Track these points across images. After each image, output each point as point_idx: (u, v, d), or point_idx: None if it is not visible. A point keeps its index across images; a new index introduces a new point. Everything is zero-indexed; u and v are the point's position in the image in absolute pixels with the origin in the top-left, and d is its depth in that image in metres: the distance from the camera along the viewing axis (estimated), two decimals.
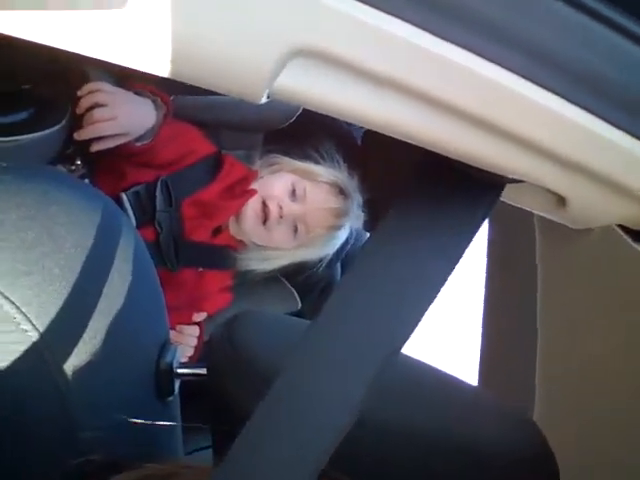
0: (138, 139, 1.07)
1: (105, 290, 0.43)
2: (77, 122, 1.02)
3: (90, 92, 1.02)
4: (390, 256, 0.33)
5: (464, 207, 0.34)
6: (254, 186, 1.16)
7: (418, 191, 0.35)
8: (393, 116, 0.30)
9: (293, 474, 0.30)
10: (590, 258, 0.42)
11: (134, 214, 1.08)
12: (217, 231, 1.17)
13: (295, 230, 1.16)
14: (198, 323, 1.13)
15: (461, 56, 0.28)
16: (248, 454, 0.30)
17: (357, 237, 1.25)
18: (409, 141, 0.32)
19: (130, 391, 0.46)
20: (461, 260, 0.33)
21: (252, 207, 1.15)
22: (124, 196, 1.07)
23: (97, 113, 1.01)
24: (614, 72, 0.30)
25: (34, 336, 0.40)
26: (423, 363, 0.46)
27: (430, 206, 0.34)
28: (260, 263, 1.18)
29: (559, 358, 0.48)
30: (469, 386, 0.49)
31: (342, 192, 1.20)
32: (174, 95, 1.15)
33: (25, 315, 0.39)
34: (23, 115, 0.94)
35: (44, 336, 0.40)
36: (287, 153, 1.21)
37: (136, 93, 1.08)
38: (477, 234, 0.35)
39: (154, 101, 1.08)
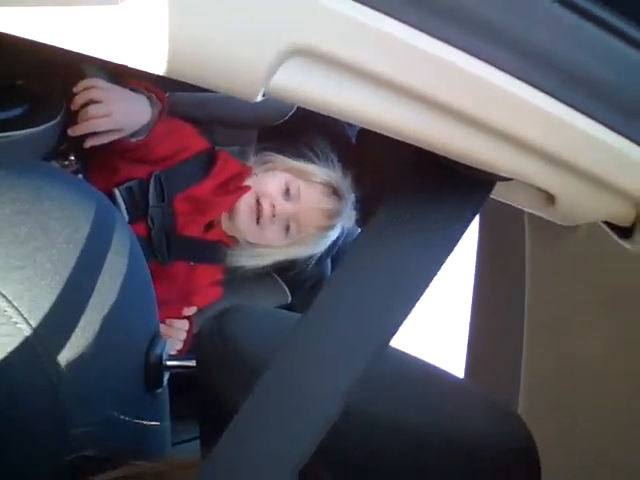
0: (133, 135, 1.07)
1: (97, 285, 0.43)
2: (71, 118, 1.02)
3: (85, 88, 1.02)
4: (380, 251, 0.33)
5: (454, 204, 0.35)
6: (248, 183, 1.17)
7: (409, 187, 0.35)
8: (387, 114, 0.30)
9: (280, 466, 0.30)
10: (576, 255, 0.43)
11: (126, 209, 1.08)
12: (209, 226, 1.17)
13: (287, 229, 1.16)
14: (188, 317, 1.14)
15: (457, 57, 0.28)
16: (236, 447, 0.30)
17: (348, 233, 1.25)
18: (402, 139, 0.32)
19: (121, 384, 0.47)
20: (450, 256, 0.34)
21: (246, 202, 1.15)
22: (117, 191, 1.07)
23: (92, 109, 1.01)
24: (609, 74, 0.30)
25: (26, 330, 0.40)
26: (412, 356, 0.47)
27: (421, 202, 0.35)
28: (251, 259, 1.18)
29: (544, 354, 0.49)
30: (457, 379, 0.49)
31: (335, 192, 1.20)
32: (169, 92, 1.16)
33: (17, 309, 0.40)
34: (17, 111, 0.94)
35: (36, 330, 0.40)
36: (281, 151, 1.21)
37: (131, 90, 1.08)
38: (467, 230, 0.35)
39: (149, 98, 1.08)
